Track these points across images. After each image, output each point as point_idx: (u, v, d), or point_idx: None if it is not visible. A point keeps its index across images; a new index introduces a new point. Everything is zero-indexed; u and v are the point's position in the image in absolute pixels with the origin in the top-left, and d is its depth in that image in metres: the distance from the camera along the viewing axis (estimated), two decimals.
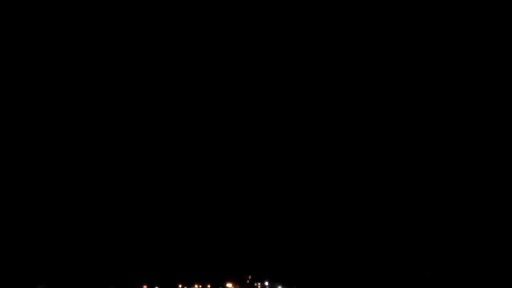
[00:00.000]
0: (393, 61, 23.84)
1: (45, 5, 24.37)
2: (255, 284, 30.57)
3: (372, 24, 23.64)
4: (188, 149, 28.79)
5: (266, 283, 30.11)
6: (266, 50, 25.68)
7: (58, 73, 26.29)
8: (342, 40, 24.49)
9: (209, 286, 31.52)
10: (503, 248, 21.12)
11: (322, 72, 25.50)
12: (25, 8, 24.43)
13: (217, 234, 29.71)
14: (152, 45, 26.22)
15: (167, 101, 27.59)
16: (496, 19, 21.14)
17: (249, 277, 30.61)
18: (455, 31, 22.25)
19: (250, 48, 25.81)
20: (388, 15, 23.18)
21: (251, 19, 24.64)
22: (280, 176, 28.09)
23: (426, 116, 23.63)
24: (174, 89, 27.38)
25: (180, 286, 31.62)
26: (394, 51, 23.76)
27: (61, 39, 25.55)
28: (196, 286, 31.61)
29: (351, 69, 24.90)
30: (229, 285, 30.92)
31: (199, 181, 29.19)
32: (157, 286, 30.85)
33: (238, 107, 27.40)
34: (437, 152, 23.40)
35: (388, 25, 23.34)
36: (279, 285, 29.34)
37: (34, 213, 26.84)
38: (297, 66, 25.84)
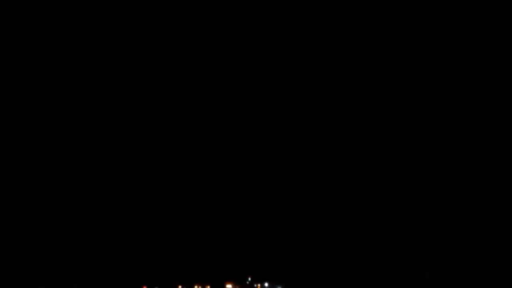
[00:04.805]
0: (393, 61, 23.89)
1: (45, 6, 24.41)
2: (255, 285, 30.52)
3: (372, 24, 23.69)
4: (187, 149, 28.79)
5: (266, 284, 30.07)
6: (266, 50, 25.72)
7: (57, 75, 26.32)
8: (342, 41, 24.54)
9: (208, 287, 31.46)
10: (503, 248, 21.13)
11: (322, 72, 25.53)
12: (25, 9, 24.47)
13: (217, 235, 29.68)
14: (151, 45, 26.25)
15: (167, 101, 27.61)
16: (496, 19, 21.20)
17: (249, 278, 30.56)
18: (455, 31, 22.31)
19: (250, 48, 25.84)
20: (388, 15, 23.24)
21: (251, 19, 24.68)
22: (280, 176, 28.09)
23: (426, 116, 23.67)
24: (174, 89, 27.40)
25: (179, 287, 31.55)
26: (395, 51, 23.81)
27: (61, 40, 25.57)
28: (195, 287, 31.54)
29: (351, 69, 24.94)
30: (229, 286, 30.87)
31: (199, 182, 29.18)
32: (156, 287, 30.77)
33: (238, 107, 27.42)
34: (437, 152, 23.43)
35: (388, 25, 23.40)
36: (279, 285, 29.30)
37: (34, 213, 26.81)
38: (297, 66, 25.88)
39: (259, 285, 30.56)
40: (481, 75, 22.08)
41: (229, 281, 30.76)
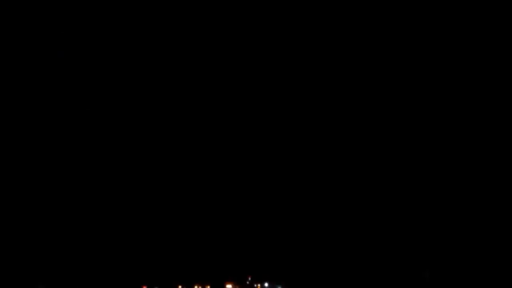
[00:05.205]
0: (394, 61, 23.90)
1: (45, 6, 24.40)
2: (255, 285, 30.52)
3: (372, 24, 23.70)
4: (187, 149, 28.79)
5: (266, 284, 30.08)
6: (266, 50, 25.72)
7: (57, 75, 26.32)
8: (342, 40, 24.55)
9: (208, 287, 31.46)
10: (503, 248, 21.14)
11: (322, 72, 25.54)
12: (25, 9, 24.47)
13: (217, 235, 29.68)
14: (152, 45, 26.25)
15: (167, 101, 27.62)
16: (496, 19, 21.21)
17: (249, 278, 30.56)
18: (455, 31, 22.32)
19: (250, 49, 25.85)
20: (388, 15, 23.25)
21: (251, 19, 24.69)
22: (280, 176, 28.10)
23: (426, 116, 23.68)
24: (174, 90, 27.40)
25: (179, 287, 31.57)
26: (394, 51, 23.82)
27: (61, 40, 25.58)
28: (195, 287, 31.54)
29: (351, 69, 24.95)
30: (229, 286, 30.87)
31: (199, 182, 29.18)
32: (156, 287, 30.80)
33: (238, 107, 27.43)
34: (437, 152, 23.43)
35: (388, 25, 23.40)
36: (279, 285, 29.30)
37: (34, 213, 26.80)
38: (297, 66, 25.88)
39: (259, 285, 30.55)
40: (481, 75, 22.09)
41: (229, 281, 30.76)
